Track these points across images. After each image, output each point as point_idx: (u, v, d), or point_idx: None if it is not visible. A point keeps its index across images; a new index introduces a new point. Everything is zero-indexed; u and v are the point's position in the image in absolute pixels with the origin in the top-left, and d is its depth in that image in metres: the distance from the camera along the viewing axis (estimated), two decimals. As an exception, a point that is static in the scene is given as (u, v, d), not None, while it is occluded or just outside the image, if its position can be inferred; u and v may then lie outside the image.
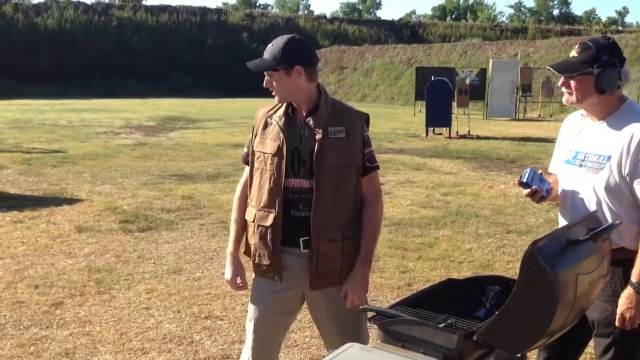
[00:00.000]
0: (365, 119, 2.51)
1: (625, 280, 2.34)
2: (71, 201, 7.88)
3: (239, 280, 2.60)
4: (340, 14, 77.46)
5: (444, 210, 7.63)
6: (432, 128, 16.92)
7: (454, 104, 17.32)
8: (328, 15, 56.47)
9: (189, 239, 6.28)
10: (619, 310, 2.32)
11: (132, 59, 40.55)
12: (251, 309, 2.59)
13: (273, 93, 2.42)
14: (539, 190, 2.50)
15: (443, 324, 2.02)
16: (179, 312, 4.37)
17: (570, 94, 2.39)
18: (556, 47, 31.25)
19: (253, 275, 2.61)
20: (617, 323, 2.35)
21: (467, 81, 21.47)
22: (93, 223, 6.79)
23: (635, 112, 2.38)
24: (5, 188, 8.70)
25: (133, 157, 11.89)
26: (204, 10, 47.87)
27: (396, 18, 59.52)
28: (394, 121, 20.80)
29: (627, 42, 27.85)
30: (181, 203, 7.86)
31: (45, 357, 3.65)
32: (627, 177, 2.31)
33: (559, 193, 2.60)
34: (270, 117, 2.48)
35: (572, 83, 2.36)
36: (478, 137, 16.22)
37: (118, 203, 7.80)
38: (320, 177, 2.37)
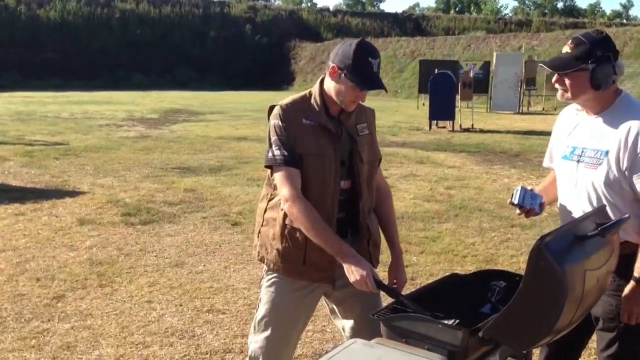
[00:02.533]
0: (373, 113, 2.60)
1: (627, 274, 2.32)
2: (73, 194, 7.86)
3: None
4: (344, 7, 77.14)
5: (447, 204, 7.59)
6: (435, 121, 16.87)
7: (458, 97, 17.25)
8: (331, 8, 56.30)
9: (191, 232, 6.25)
10: (623, 306, 2.31)
11: (136, 52, 40.52)
12: (280, 312, 2.48)
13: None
14: (532, 208, 2.48)
15: (448, 320, 1.99)
16: (180, 305, 4.35)
17: (565, 90, 2.36)
18: (560, 40, 31.07)
19: (271, 275, 2.51)
20: (623, 319, 2.33)
21: (471, 74, 21.38)
22: (95, 216, 6.77)
23: (631, 106, 2.36)
24: (8, 180, 8.69)
25: (135, 150, 11.87)
26: (207, 3, 47.71)
27: (399, 11, 59.39)
28: (397, 114, 20.74)
29: (632, 35, 27.71)
30: (183, 196, 7.84)
31: (46, 351, 3.64)
32: (626, 172, 2.29)
33: (557, 188, 2.57)
34: (307, 117, 2.36)
35: (567, 80, 2.33)
36: (482, 131, 16.16)
37: (120, 196, 7.78)
38: (360, 175, 2.43)
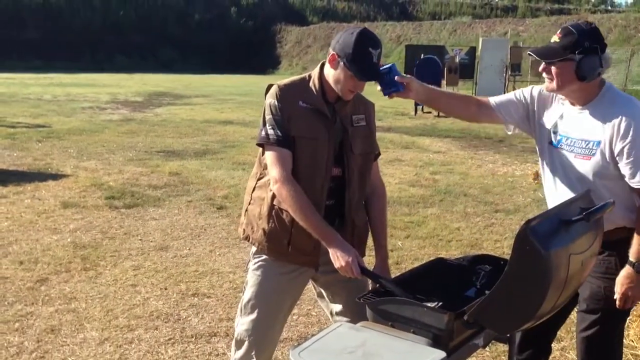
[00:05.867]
0: (374, 107, 2.58)
1: (622, 260, 2.35)
2: (56, 176, 7.78)
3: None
4: (330, -10, 76.51)
5: (432, 189, 7.62)
6: (421, 106, 16.86)
7: (444, 82, 17.27)
8: (317, -9, 55.73)
9: (176, 215, 6.23)
10: (620, 290, 2.33)
11: (119, 33, 40.10)
12: (267, 295, 2.46)
13: None
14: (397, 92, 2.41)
15: (433, 304, 2.01)
16: (165, 289, 4.34)
17: (551, 80, 2.35)
18: (546, 26, 31.20)
19: (258, 259, 2.49)
20: (618, 303, 2.36)
21: (457, 59, 21.43)
22: (78, 199, 6.71)
23: (616, 97, 2.37)
24: (-11, 163, 8.58)
25: (119, 133, 11.76)
26: (192, -16, 47.16)
27: (386, -5, 58.87)
28: (382, 99, 20.43)
29: (617, 22, 27.85)
30: (168, 179, 7.79)
31: (30, 334, 3.61)
32: (617, 158, 2.29)
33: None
34: (304, 100, 2.34)
35: (553, 69, 2.32)
36: (467, 116, 16.19)
37: (104, 179, 7.71)
38: (350, 165, 2.40)
